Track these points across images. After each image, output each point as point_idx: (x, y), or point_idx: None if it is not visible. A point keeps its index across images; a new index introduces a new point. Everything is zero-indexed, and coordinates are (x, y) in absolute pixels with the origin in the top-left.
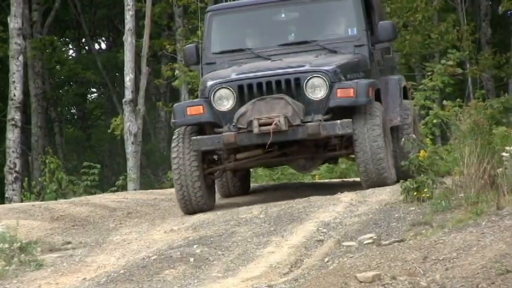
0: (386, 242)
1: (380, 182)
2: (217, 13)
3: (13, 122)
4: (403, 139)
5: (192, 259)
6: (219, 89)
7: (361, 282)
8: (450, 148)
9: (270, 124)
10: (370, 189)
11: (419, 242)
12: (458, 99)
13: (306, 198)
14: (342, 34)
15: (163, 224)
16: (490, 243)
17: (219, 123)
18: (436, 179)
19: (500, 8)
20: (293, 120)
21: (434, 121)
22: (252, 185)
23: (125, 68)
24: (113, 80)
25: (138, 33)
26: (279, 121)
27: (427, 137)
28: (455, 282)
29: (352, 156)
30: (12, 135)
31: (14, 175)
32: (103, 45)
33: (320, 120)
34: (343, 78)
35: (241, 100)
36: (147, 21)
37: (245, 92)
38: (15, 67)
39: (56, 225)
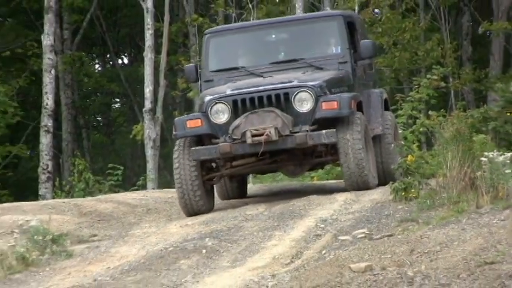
0: (377, 237)
1: (362, 186)
2: (214, 35)
3: (46, 128)
4: (392, 145)
5: (204, 250)
6: (216, 103)
7: (354, 272)
8: (434, 153)
9: (261, 135)
10: (363, 190)
11: (406, 237)
12: (442, 110)
13: (305, 197)
14: (327, 52)
15: (179, 219)
16: (470, 238)
17: (216, 134)
18: (422, 180)
19: (480, 28)
20: (283, 131)
21: (421, 129)
22: (258, 185)
23: (145, 81)
24: (134, 92)
25: (157, 50)
26: (270, 132)
27: (414, 144)
28: (439, 273)
29: (337, 162)
30: (45, 140)
31: (47, 175)
32: (125, 60)
33: (307, 131)
34: (328, 92)
35: (235, 113)
36: (164, 39)
37: (239, 106)
38: (47, 79)
39: (84, 219)
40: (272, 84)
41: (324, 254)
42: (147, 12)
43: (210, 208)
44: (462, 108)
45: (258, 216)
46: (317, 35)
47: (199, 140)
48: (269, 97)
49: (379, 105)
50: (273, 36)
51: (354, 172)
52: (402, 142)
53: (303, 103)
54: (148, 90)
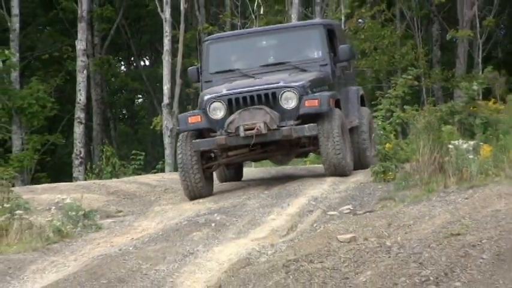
0: (360, 212)
1: (339, 172)
2: (213, 42)
3: (79, 120)
4: (373, 135)
5: (213, 224)
6: (213, 102)
7: (341, 242)
8: (409, 141)
9: (253, 129)
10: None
11: (385, 212)
12: (415, 105)
13: (299, 179)
14: (310, 56)
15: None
16: (438, 214)
17: (214, 128)
18: (398, 164)
19: (447, 35)
20: (271, 125)
21: (397, 121)
22: (258, 169)
23: (163, 80)
24: (154, 89)
25: (174, 54)
26: (260, 126)
27: (391, 133)
28: (412, 243)
29: (318, 151)
30: (78, 130)
31: (79, 160)
32: (147, 62)
33: (292, 125)
34: (310, 92)
35: (230, 110)
36: (180, 45)
37: (233, 104)
38: (80, 79)
39: (111, 198)
40: (262, 85)
41: (315, 226)
42: (165, 21)
43: (209, 192)
44: (432, 103)
45: (259, 195)
46: (301, 41)
47: (200, 133)
48: (259, 96)
49: (356, 101)
50: (264, 42)
51: (333, 160)
52: (380, 132)
53: (289, 101)
54: (166, 87)
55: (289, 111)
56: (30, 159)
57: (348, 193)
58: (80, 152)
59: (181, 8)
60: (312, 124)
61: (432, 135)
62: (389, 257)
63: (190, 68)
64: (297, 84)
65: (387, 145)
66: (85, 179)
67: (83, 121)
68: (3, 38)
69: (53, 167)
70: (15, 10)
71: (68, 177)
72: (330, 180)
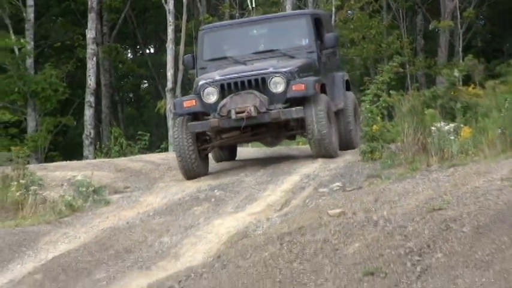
0: (349, 189)
1: (325, 153)
2: (208, 31)
3: (89, 103)
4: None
5: (213, 199)
6: (207, 87)
7: (331, 216)
8: (394, 124)
9: (243, 112)
10: (338, 152)
11: (372, 189)
12: (400, 90)
13: (293, 159)
14: (297, 44)
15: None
16: (422, 190)
17: (208, 112)
18: (384, 145)
19: (430, 26)
20: (260, 108)
21: (383, 105)
22: (255, 149)
23: (167, 66)
24: (159, 75)
25: (176, 42)
26: (250, 109)
27: (378, 116)
28: (397, 217)
29: (305, 134)
30: (88, 112)
31: (89, 140)
32: (152, 50)
33: (280, 108)
34: (297, 77)
35: (222, 95)
36: (183, 34)
37: (225, 89)
38: (90, 65)
39: (119, 175)
40: (252, 70)
41: (307, 202)
42: (168, 12)
43: (204, 172)
44: (416, 88)
45: (256, 173)
46: (290, 29)
47: (195, 116)
48: (249, 81)
49: (341, 86)
50: (255, 31)
51: (318, 142)
52: (368, 114)
53: (277, 86)
54: (169, 73)
55: (278, 95)
56: (43, 139)
57: (337, 171)
58: (90, 132)
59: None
60: (298, 107)
61: (416, 118)
62: (376, 230)
63: (186, 55)
64: (284, 70)
65: (374, 127)
66: (95, 158)
67: (93, 104)
68: (19, 27)
69: (65, 147)
70: (30, 1)
71: (78, 156)
72: (320, 159)
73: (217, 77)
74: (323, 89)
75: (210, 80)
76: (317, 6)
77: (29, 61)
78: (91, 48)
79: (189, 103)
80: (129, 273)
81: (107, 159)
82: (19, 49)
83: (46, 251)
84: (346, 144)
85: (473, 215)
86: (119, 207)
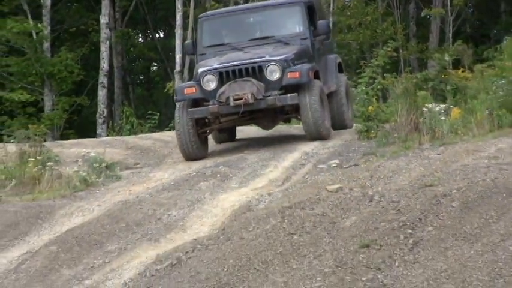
0: (346, 166)
1: (318, 135)
2: (207, 19)
3: (102, 84)
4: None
5: (218, 175)
6: (206, 75)
7: (329, 191)
8: (388, 105)
9: (241, 99)
10: (336, 131)
11: (367, 166)
12: (394, 73)
13: (293, 138)
14: (292, 31)
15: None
16: (414, 167)
17: (207, 98)
18: (379, 125)
19: (422, 13)
20: (257, 95)
21: (378, 87)
22: (257, 128)
23: (176, 50)
24: (168, 58)
25: (185, 27)
26: (248, 96)
27: (373, 97)
28: (391, 192)
29: (300, 118)
30: (102, 93)
31: (102, 119)
32: (161, 35)
33: (276, 95)
34: (292, 65)
35: (221, 82)
36: (190, 20)
37: (224, 76)
38: (103, 49)
39: (130, 152)
40: (249, 59)
41: (307, 178)
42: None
43: (204, 154)
44: (409, 72)
45: (258, 151)
46: (284, 17)
47: (195, 102)
48: (247, 69)
49: (333, 68)
50: (251, 19)
51: (312, 126)
52: (364, 96)
53: (273, 73)
54: (178, 57)
55: (274, 83)
56: (59, 118)
57: (335, 149)
58: (103, 112)
59: None
60: (293, 94)
61: (409, 99)
62: (371, 204)
63: (186, 42)
64: (280, 58)
65: (370, 108)
66: (107, 136)
67: (106, 85)
68: (36, 13)
69: (79, 125)
70: None
71: (92, 134)
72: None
73: (216, 65)
74: (316, 75)
75: (209, 67)
76: None
77: (46, 45)
78: (104, 32)
79: (190, 90)
80: (139, 244)
81: (118, 137)
82: (36, 33)
83: (61, 223)
84: (339, 124)
85: (462, 191)
86: (130, 182)
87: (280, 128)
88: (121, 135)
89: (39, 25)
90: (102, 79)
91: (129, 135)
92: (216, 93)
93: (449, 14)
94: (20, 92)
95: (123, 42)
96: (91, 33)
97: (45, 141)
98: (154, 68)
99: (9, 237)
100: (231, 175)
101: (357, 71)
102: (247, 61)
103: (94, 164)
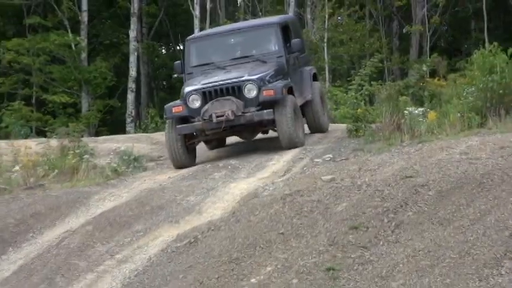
0: (338, 159)
1: (293, 145)
2: (193, 41)
3: (131, 89)
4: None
5: (229, 167)
6: (192, 94)
7: (324, 181)
8: (374, 108)
9: (222, 115)
10: (329, 129)
11: (356, 160)
12: (379, 81)
13: None
14: (268, 50)
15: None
16: (396, 161)
17: (193, 116)
18: (367, 125)
19: (404, 29)
20: (237, 112)
21: (366, 93)
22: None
23: None
24: None
25: None
26: (228, 113)
27: (362, 101)
28: (377, 182)
29: (276, 130)
30: (130, 96)
31: (131, 119)
32: (181, 47)
33: (254, 111)
34: (268, 82)
35: (205, 101)
36: None
37: (207, 95)
38: (132, 58)
39: (154, 147)
40: (229, 79)
41: (305, 170)
42: (195, 17)
43: (191, 163)
44: (392, 80)
45: (263, 148)
46: (261, 37)
47: (182, 119)
48: (227, 88)
49: (309, 79)
50: (232, 40)
51: (287, 137)
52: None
53: (250, 92)
54: None
55: (251, 100)
56: (94, 117)
57: (329, 146)
58: (132, 112)
59: (207, 7)
60: (269, 110)
61: (392, 103)
62: (360, 192)
63: (175, 62)
64: (256, 77)
65: (359, 110)
66: (135, 133)
67: (134, 90)
68: (75, 28)
69: (111, 124)
70: (84, 7)
71: (122, 131)
72: (316, 136)
73: (199, 86)
74: (290, 91)
75: (194, 87)
76: (313, 14)
77: (83, 55)
78: (133, 45)
79: (177, 109)
80: (161, 225)
81: (145, 134)
82: (75, 45)
83: (96, 207)
84: (316, 129)
85: (437, 182)
86: (154, 172)
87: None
88: (147, 132)
89: (78, 38)
90: (131, 84)
91: (154, 132)
92: (201, 111)
93: (427, 30)
94: (61, 95)
95: (149, 53)
96: (122, 45)
97: (82, 137)
98: (175, 75)
99: (52, 218)
100: (240, 167)
101: (348, 78)
102: (227, 81)
103: (124, 157)
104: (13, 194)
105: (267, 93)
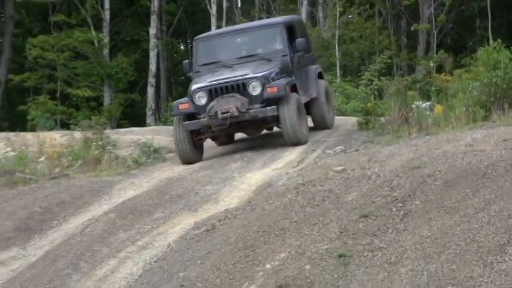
0: (349, 151)
1: (297, 141)
2: (201, 40)
3: (151, 84)
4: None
5: (245, 158)
6: (198, 92)
7: (335, 171)
8: (384, 102)
9: (227, 112)
10: (340, 123)
11: (366, 151)
12: (388, 76)
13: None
14: (273, 49)
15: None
16: (404, 153)
17: (199, 112)
18: (376, 118)
19: (412, 27)
20: (241, 109)
21: (376, 87)
22: None
23: None
24: None
25: None
26: (233, 110)
27: (371, 96)
28: (386, 172)
29: (280, 126)
30: (150, 91)
31: (151, 112)
32: None
33: (258, 108)
34: (272, 80)
35: (211, 98)
36: None
37: (213, 93)
38: (152, 55)
39: (173, 139)
40: (234, 77)
41: (317, 161)
42: (212, 15)
43: (198, 158)
44: (400, 75)
45: (278, 140)
46: (267, 37)
47: (189, 115)
48: (232, 86)
49: (314, 78)
50: (239, 39)
51: (291, 133)
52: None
53: (255, 89)
54: None
55: (256, 97)
56: (116, 111)
57: (340, 138)
58: (152, 106)
59: (224, 6)
60: (273, 106)
61: (400, 98)
62: (369, 182)
63: (184, 61)
64: (260, 75)
65: (369, 104)
66: (155, 125)
67: (154, 84)
68: (98, 25)
69: (132, 116)
70: (107, 5)
71: (142, 123)
72: (327, 130)
73: (206, 84)
74: (294, 89)
75: (200, 85)
76: (325, 12)
77: (105, 51)
78: (153, 41)
79: (184, 106)
80: (180, 213)
81: (164, 127)
82: (98, 42)
83: (118, 196)
84: (321, 126)
85: (444, 172)
86: (173, 163)
87: None
88: (166, 124)
89: (100, 35)
90: (151, 79)
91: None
92: (207, 108)
93: (434, 28)
94: (84, 89)
95: (168, 49)
96: (142, 42)
97: (104, 129)
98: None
99: (76, 206)
100: (255, 158)
101: (358, 74)
102: (232, 79)
103: (144, 148)
104: (39, 183)
105: (271, 90)
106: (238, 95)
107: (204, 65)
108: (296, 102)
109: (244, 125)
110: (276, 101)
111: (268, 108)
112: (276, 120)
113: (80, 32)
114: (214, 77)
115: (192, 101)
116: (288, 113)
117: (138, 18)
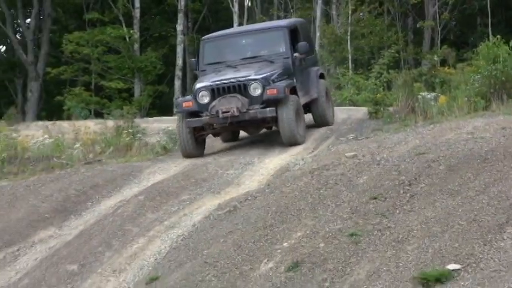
0: (360, 138)
1: (294, 142)
2: (207, 41)
3: (178, 76)
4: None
5: (264, 145)
6: (201, 91)
7: (347, 157)
8: (392, 93)
9: (228, 112)
10: (352, 112)
11: (376, 138)
12: (396, 69)
13: None
14: (276, 51)
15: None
16: (411, 140)
17: (201, 111)
18: (385, 108)
19: (418, 24)
20: (242, 109)
21: (384, 80)
22: None
23: None
24: None
25: None
26: (234, 110)
27: (381, 87)
28: (394, 158)
29: (278, 127)
30: (177, 83)
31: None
32: None
33: (257, 108)
34: (272, 82)
35: (213, 97)
36: None
37: (215, 92)
38: (179, 49)
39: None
40: (236, 77)
41: (330, 147)
42: (234, 13)
43: (200, 153)
44: (407, 68)
45: None
46: (270, 39)
47: (192, 113)
48: (234, 86)
49: (315, 79)
50: (244, 41)
51: (288, 134)
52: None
53: (255, 90)
54: None
55: (256, 98)
56: (146, 101)
57: (352, 126)
58: (178, 97)
59: (245, 4)
60: (271, 108)
61: (407, 89)
62: (379, 167)
63: (191, 59)
64: (261, 76)
65: (378, 95)
66: None
67: (180, 77)
68: (129, 22)
69: (161, 107)
70: (137, 4)
71: (170, 113)
72: (340, 118)
73: (209, 83)
74: (294, 91)
75: (203, 84)
76: (338, 10)
77: (136, 46)
78: (179, 37)
79: (187, 104)
80: (205, 196)
81: None
82: (129, 38)
83: (147, 179)
84: (322, 123)
85: (447, 158)
86: None
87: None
88: None
89: (131, 31)
90: (178, 72)
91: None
92: (209, 107)
93: (438, 25)
94: (116, 81)
95: (194, 44)
96: (169, 37)
97: (135, 118)
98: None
99: (108, 189)
100: (273, 145)
101: (368, 67)
102: (234, 80)
103: (171, 136)
104: (74, 168)
105: (271, 92)
106: (239, 96)
107: (209, 64)
108: (294, 104)
109: (244, 124)
110: (276, 102)
111: (268, 109)
112: (275, 121)
113: (112, 29)
114: (218, 76)
115: (195, 99)
116: (286, 114)
117: (165, 15)
